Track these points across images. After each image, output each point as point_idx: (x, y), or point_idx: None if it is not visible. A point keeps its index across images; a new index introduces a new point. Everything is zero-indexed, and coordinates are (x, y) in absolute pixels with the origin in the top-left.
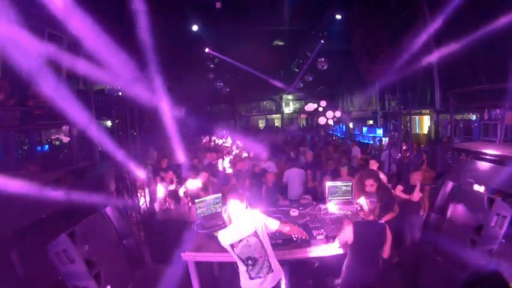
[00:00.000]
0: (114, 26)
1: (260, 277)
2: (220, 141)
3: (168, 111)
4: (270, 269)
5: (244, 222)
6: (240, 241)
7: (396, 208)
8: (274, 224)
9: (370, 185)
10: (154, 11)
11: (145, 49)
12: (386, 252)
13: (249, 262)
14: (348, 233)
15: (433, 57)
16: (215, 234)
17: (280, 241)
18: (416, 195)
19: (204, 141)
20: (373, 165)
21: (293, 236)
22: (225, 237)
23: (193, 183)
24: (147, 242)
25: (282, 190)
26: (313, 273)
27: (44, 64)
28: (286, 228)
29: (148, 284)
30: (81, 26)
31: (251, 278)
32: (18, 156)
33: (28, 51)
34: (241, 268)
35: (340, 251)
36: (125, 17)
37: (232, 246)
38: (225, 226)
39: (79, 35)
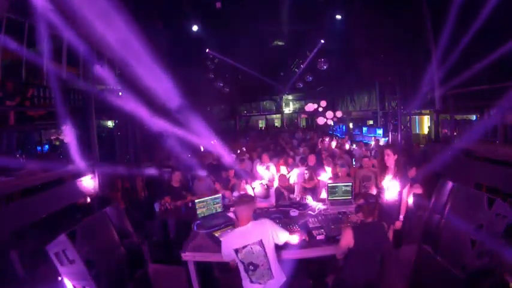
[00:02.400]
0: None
1: (260, 283)
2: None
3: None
4: (271, 276)
5: (251, 229)
6: (244, 247)
7: (406, 193)
8: (282, 236)
9: (387, 154)
10: (155, 11)
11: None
12: (385, 249)
13: (250, 267)
14: (347, 239)
15: (434, 56)
16: (215, 234)
17: None
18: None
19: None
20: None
21: None
22: (229, 241)
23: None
24: (147, 242)
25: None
26: (313, 273)
27: None
28: (295, 240)
29: (148, 284)
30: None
31: (251, 282)
32: (19, 156)
33: None
34: (242, 271)
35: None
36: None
37: (236, 250)
38: (225, 226)
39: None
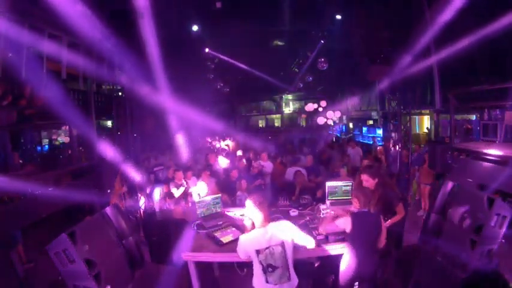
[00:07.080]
0: (116, 25)
1: (276, 284)
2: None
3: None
4: (288, 279)
5: (273, 230)
6: (266, 248)
7: (401, 209)
8: (302, 239)
9: (365, 180)
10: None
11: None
12: (382, 241)
13: (269, 269)
14: (346, 223)
15: (433, 57)
16: (215, 234)
17: None
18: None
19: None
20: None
21: None
22: (250, 242)
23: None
24: (147, 242)
25: (284, 190)
26: (313, 273)
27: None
28: (312, 244)
29: (148, 284)
30: (84, 25)
31: (267, 282)
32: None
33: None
34: (258, 271)
35: (340, 251)
36: (127, 16)
37: (257, 251)
38: (226, 226)
39: (81, 35)
